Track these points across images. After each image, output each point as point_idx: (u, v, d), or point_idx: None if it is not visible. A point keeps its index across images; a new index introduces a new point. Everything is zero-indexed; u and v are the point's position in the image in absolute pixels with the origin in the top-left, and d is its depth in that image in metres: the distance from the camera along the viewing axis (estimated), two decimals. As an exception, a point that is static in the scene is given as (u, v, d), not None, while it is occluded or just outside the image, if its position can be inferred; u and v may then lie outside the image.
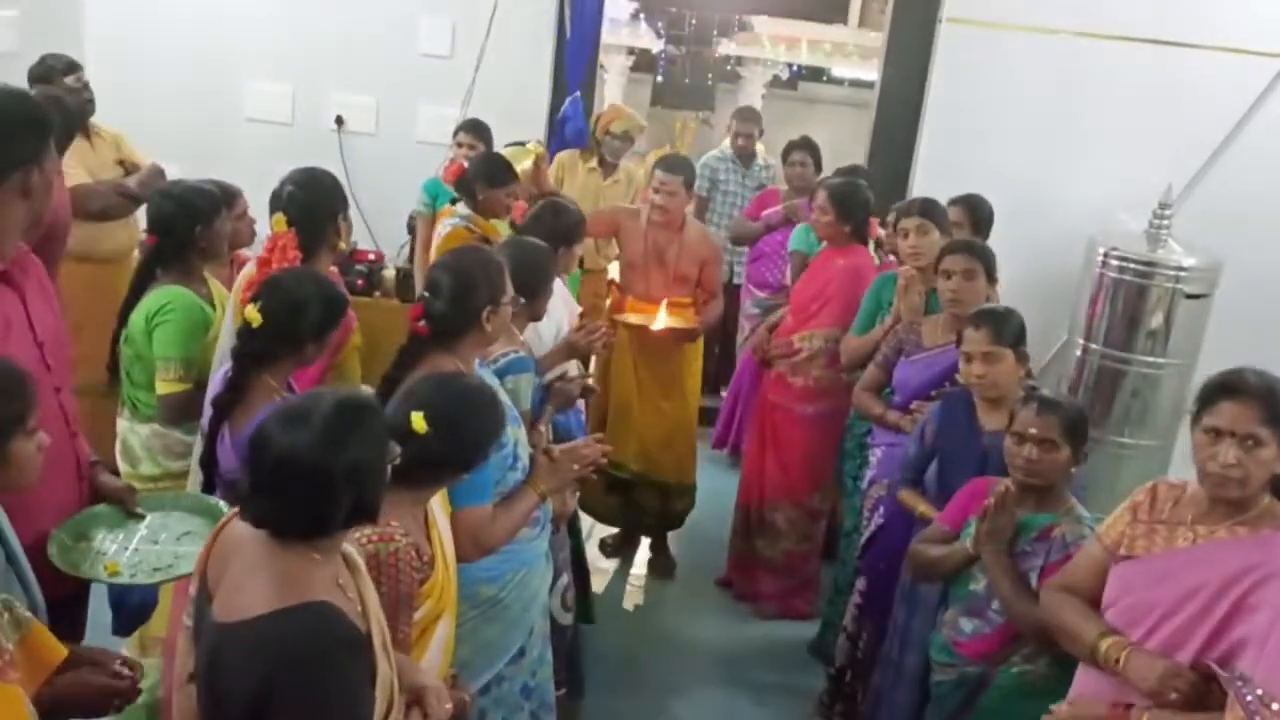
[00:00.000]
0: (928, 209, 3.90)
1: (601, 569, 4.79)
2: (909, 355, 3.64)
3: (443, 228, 4.17)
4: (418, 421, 2.20)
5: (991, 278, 3.53)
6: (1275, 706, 1.85)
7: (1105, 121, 5.38)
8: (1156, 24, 5.27)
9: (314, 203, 3.08)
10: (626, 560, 4.99)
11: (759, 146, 6.54)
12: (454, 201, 4.36)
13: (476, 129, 5.01)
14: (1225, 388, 2.17)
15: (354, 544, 2.08)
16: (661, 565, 4.94)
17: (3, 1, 4.99)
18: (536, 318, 3.23)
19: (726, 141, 6.56)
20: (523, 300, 2.97)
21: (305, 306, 2.60)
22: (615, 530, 5.02)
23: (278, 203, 3.08)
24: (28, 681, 1.62)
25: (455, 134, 5.06)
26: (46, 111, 2.41)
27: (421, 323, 2.60)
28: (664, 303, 4.54)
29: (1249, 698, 1.87)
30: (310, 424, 1.75)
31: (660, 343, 4.55)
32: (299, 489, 1.74)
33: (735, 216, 6.01)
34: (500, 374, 2.88)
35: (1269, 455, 2.12)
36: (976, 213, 4.25)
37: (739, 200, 6.21)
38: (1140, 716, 2.10)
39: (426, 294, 2.64)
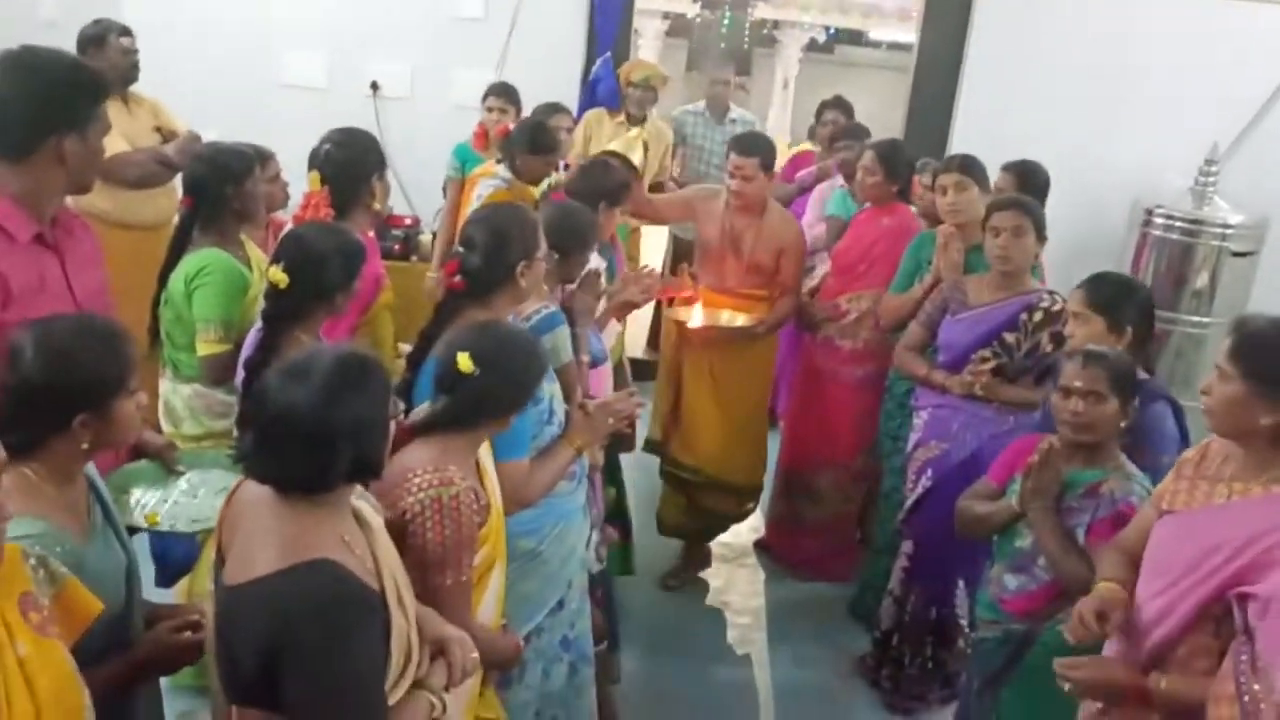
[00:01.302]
0: (967, 165, 3.83)
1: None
2: (955, 314, 3.57)
3: (483, 189, 4.18)
4: (464, 361, 2.23)
5: (1041, 236, 3.46)
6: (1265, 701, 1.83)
7: (1149, 79, 5.30)
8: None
9: (349, 161, 3.10)
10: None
11: (735, 101, 6.29)
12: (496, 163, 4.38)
13: (506, 92, 5.00)
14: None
15: (414, 491, 2.13)
16: (693, 562, 4.62)
17: (43, -29, 5.02)
18: (569, 280, 3.22)
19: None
20: (556, 258, 2.98)
21: (327, 258, 2.63)
22: (675, 559, 4.59)
23: (314, 161, 3.10)
24: (66, 636, 1.64)
25: (484, 98, 5.05)
26: (89, 78, 2.42)
27: (457, 278, 2.62)
28: (699, 301, 4.20)
29: (1245, 690, 1.86)
30: (310, 380, 1.75)
31: (729, 338, 4.19)
32: (298, 444, 1.75)
33: (706, 172, 5.87)
34: (537, 331, 2.89)
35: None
36: (1029, 180, 4.15)
37: (712, 157, 5.97)
38: (1159, 682, 2.09)
39: (462, 249, 2.65)
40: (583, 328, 3.15)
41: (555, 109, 4.81)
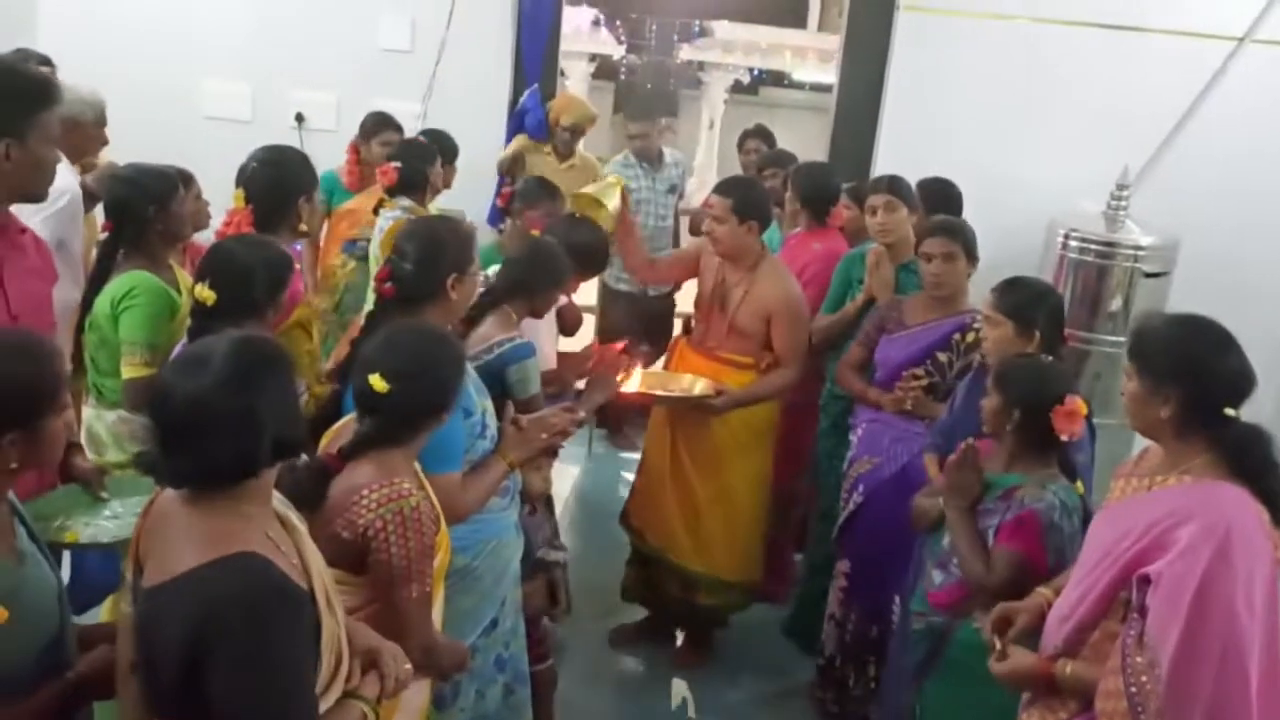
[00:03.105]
0: (895, 185, 3.92)
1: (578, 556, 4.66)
2: (891, 333, 3.65)
3: (384, 221, 4.04)
4: (377, 383, 2.23)
5: (972, 257, 3.55)
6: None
7: (1062, 106, 5.46)
8: (1111, 8, 5.36)
9: (276, 180, 3.08)
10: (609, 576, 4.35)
11: (665, 145, 5.91)
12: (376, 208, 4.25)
13: (394, 125, 4.94)
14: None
15: (371, 508, 2.14)
16: (687, 654, 4.21)
17: (-46, 0, 4.93)
18: (536, 315, 3.19)
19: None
20: (525, 294, 3.07)
21: (253, 271, 2.60)
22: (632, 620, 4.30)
23: (240, 178, 3.06)
24: None
25: (372, 132, 4.94)
26: (32, 84, 2.37)
27: (388, 284, 2.60)
28: (638, 364, 3.77)
29: (1129, 665, 1.95)
30: (212, 366, 1.71)
31: (678, 410, 3.83)
32: (216, 432, 1.70)
33: (653, 226, 5.52)
34: (505, 362, 2.90)
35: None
36: (942, 198, 4.23)
37: (653, 207, 5.57)
38: (1064, 668, 2.15)
39: (394, 257, 2.64)
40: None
41: (384, 123, 4.86)
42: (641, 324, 5.32)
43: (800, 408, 4.22)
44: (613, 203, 3.84)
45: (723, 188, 3.85)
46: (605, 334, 5.47)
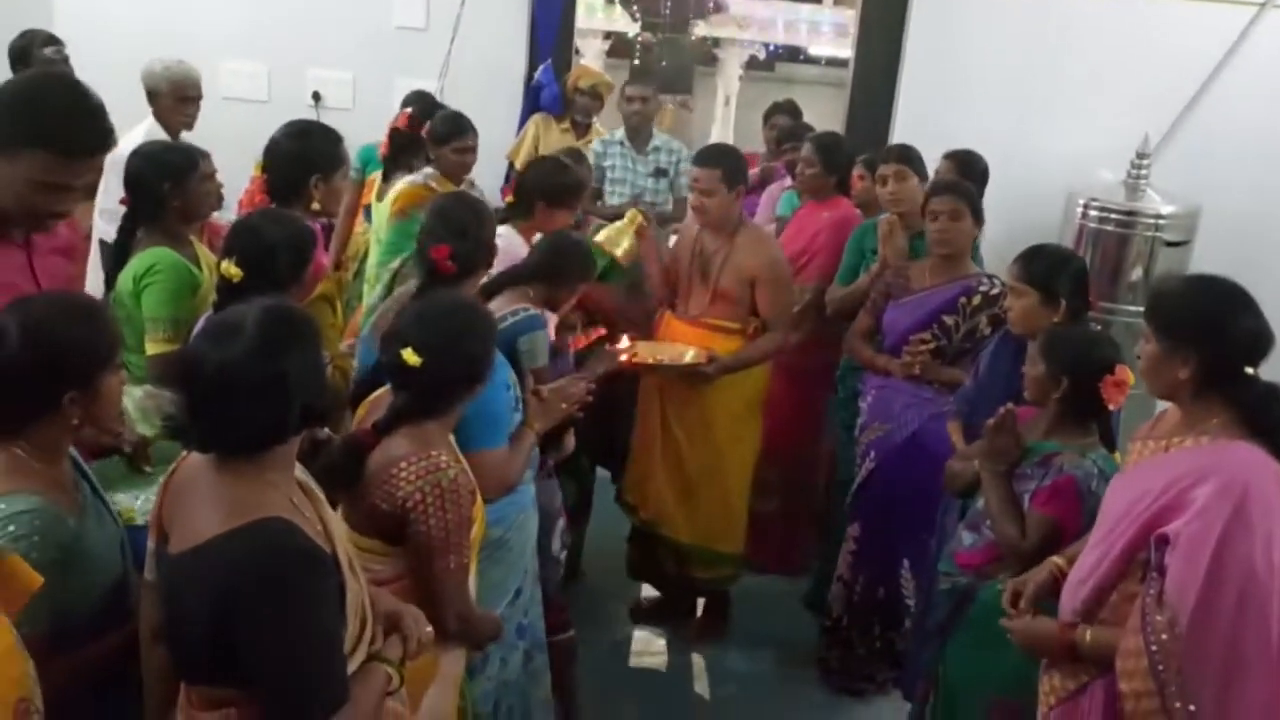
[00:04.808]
0: (905, 155, 3.92)
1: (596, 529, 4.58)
2: (897, 298, 3.65)
3: (399, 185, 4.10)
4: (409, 356, 2.24)
5: (978, 219, 3.54)
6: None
7: (1081, 74, 5.43)
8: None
9: (292, 153, 3.07)
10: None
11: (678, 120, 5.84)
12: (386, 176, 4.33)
13: (421, 99, 4.93)
14: None
15: (410, 480, 2.16)
16: (704, 626, 4.21)
17: (-30, -16, 4.97)
18: (553, 307, 3.19)
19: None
20: (547, 280, 3.08)
21: (278, 248, 2.60)
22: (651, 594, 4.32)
23: (265, 148, 3.10)
24: (6, 608, 1.61)
25: (404, 106, 4.96)
26: (31, 100, 2.25)
27: (450, 262, 2.67)
28: (625, 335, 3.71)
29: (1149, 623, 1.95)
30: (244, 333, 1.72)
31: (670, 378, 3.79)
32: (248, 399, 1.71)
33: (621, 206, 5.18)
34: (516, 330, 2.94)
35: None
36: (969, 168, 4.23)
37: (630, 190, 5.27)
38: (1084, 635, 2.15)
39: (451, 235, 2.72)
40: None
41: (421, 97, 4.79)
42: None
43: (813, 375, 4.24)
44: (621, 247, 3.79)
45: (706, 159, 3.77)
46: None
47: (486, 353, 2.38)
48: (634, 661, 4.04)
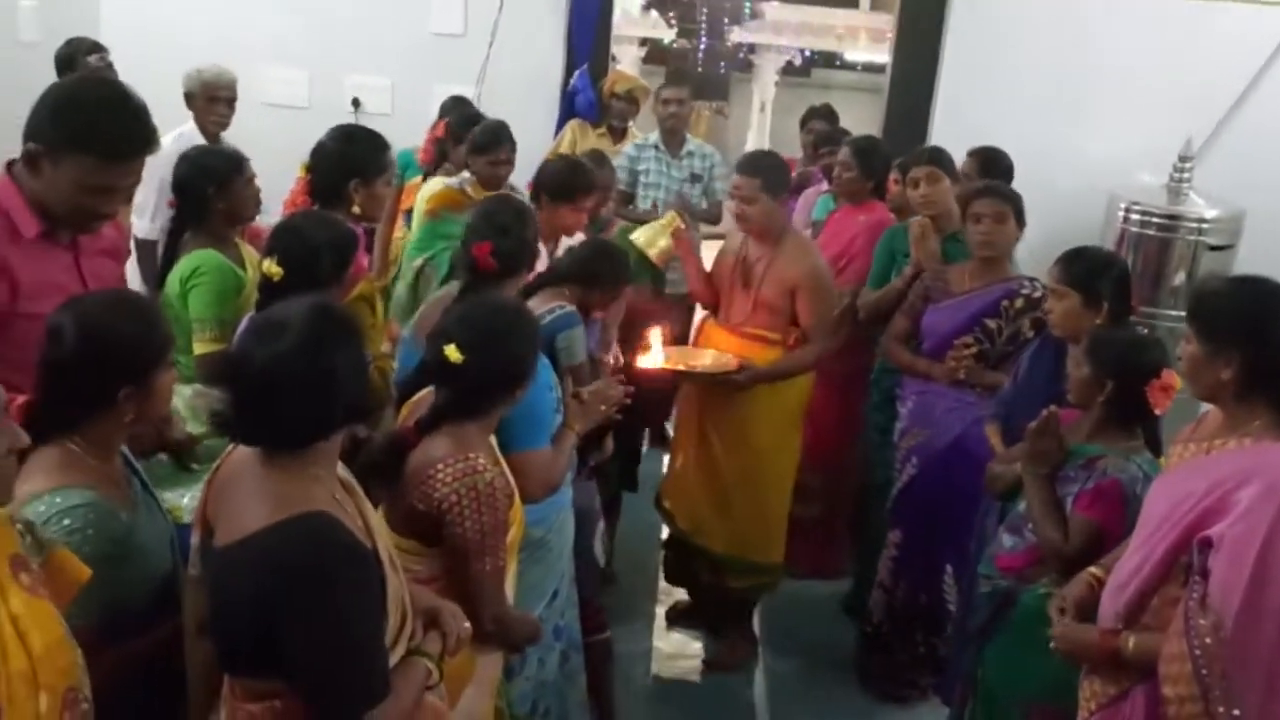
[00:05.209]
0: (936, 157, 3.92)
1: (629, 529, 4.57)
2: (937, 301, 3.63)
3: (432, 185, 4.18)
4: (452, 353, 2.26)
5: (1020, 221, 3.52)
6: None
7: (1121, 78, 5.39)
8: (1171, -23, 5.26)
9: (334, 155, 3.12)
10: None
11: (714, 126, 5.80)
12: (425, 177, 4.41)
13: (458, 106, 4.96)
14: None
15: (446, 482, 2.17)
16: (732, 647, 4.09)
17: (23, -7, 5.07)
18: (588, 310, 3.18)
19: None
20: (583, 283, 3.08)
21: (320, 249, 2.63)
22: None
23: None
24: (56, 600, 1.64)
25: (441, 113, 4.99)
26: (77, 103, 2.29)
27: (492, 258, 2.70)
28: (656, 332, 3.69)
29: (1192, 626, 1.92)
30: (291, 330, 1.74)
31: (702, 386, 3.75)
32: (296, 395, 1.73)
33: (658, 216, 5.09)
34: (553, 329, 2.95)
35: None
36: (993, 164, 4.24)
37: (664, 195, 5.21)
38: (1128, 642, 2.13)
39: (493, 232, 2.74)
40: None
41: (460, 103, 4.88)
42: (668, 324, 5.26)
43: (850, 379, 4.22)
44: (656, 247, 3.83)
45: (747, 167, 3.72)
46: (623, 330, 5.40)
47: (529, 354, 2.38)
48: (668, 665, 4.04)
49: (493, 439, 2.40)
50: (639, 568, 4.26)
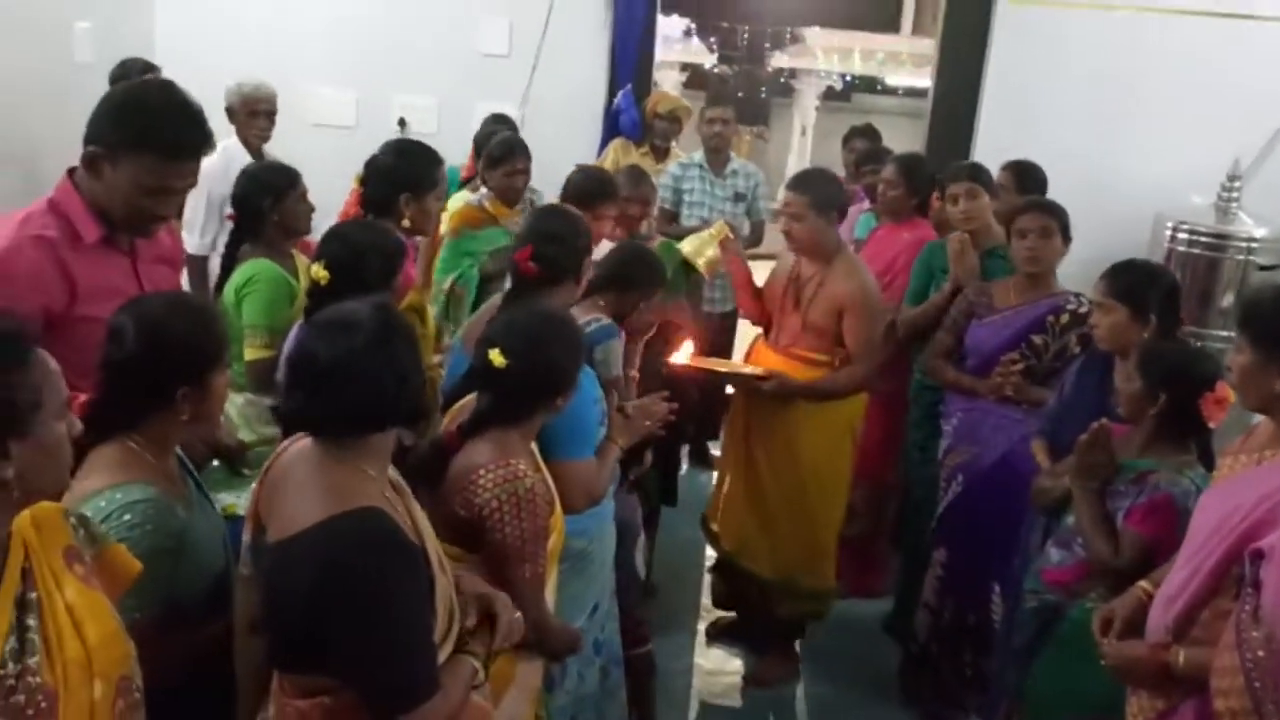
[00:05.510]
0: (975, 173, 3.91)
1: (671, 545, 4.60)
2: (981, 318, 3.60)
3: (454, 203, 4.24)
4: (495, 357, 2.28)
5: (1066, 237, 3.49)
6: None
7: (1168, 97, 5.35)
8: (1218, -4, 5.23)
9: (386, 168, 3.18)
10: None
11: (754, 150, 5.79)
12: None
13: (506, 123, 5.02)
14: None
15: (487, 487, 2.18)
16: (773, 665, 4.04)
17: (79, 15, 5.19)
18: (622, 315, 3.20)
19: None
20: (617, 290, 3.10)
21: (367, 255, 2.68)
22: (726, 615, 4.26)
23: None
24: (108, 593, 1.67)
25: (482, 128, 5.02)
26: (137, 103, 2.34)
27: (531, 264, 2.70)
28: (688, 342, 3.66)
29: (1244, 639, 1.88)
30: (362, 322, 1.79)
31: (767, 396, 3.67)
32: (358, 389, 1.77)
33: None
34: (591, 340, 2.95)
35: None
36: (1025, 179, 4.23)
37: (707, 213, 5.28)
38: (1178, 656, 2.10)
39: (537, 238, 2.75)
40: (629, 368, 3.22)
41: (499, 120, 4.92)
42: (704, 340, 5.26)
43: (892, 396, 4.19)
44: (704, 257, 3.85)
45: (796, 183, 3.68)
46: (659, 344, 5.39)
47: (571, 363, 2.39)
48: (709, 681, 4.01)
49: (534, 446, 2.42)
50: (680, 583, 4.25)
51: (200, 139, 2.32)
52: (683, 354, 3.65)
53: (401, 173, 3.19)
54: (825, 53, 13.92)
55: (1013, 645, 2.88)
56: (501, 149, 4.17)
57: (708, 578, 4.39)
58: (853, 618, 4.32)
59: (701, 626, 4.29)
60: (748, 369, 3.69)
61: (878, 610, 4.35)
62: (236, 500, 2.48)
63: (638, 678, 3.16)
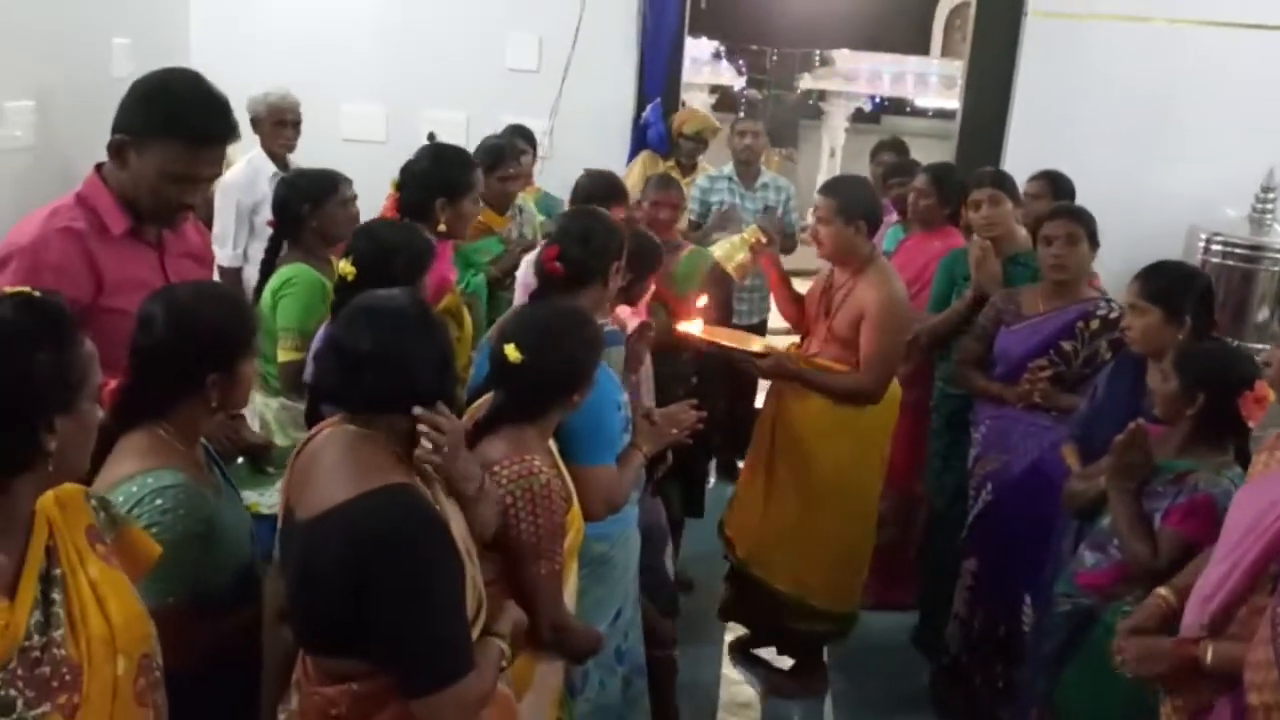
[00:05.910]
0: (999, 180, 3.90)
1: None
2: (1009, 325, 3.57)
3: None
4: (511, 352, 2.27)
5: (1094, 242, 3.46)
6: None
7: (1200, 109, 5.33)
8: (1249, 7, 5.21)
9: (422, 173, 3.23)
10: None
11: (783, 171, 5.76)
12: None
13: (523, 134, 5.01)
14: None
15: (502, 483, 2.17)
16: (800, 676, 3.99)
17: (117, 30, 5.27)
18: (631, 302, 3.23)
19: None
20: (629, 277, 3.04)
21: (394, 252, 2.69)
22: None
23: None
24: (131, 575, 1.68)
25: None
26: (165, 91, 2.37)
27: (556, 263, 2.69)
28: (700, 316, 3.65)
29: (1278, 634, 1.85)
30: (395, 315, 1.85)
31: (797, 399, 3.62)
32: (392, 372, 1.81)
33: None
34: None
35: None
36: (1060, 185, 4.22)
37: (738, 226, 5.01)
38: (1205, 649, 2.07)
39: (564, 238, 2.74)
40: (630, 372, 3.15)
41: (516, 131, 4.86)
42: None
43: (917, 406, 4.14)
44: (734, 261, 3.80)
45: (828, 188, 3.62)
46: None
47: (586, 358, 2.37)
48: (735, 691, 3.97)
49: (552, 444, 2.41)
50: (709, 594, 4.21)
51: (226, 128, 2.35)
52: (694, 326, 3.63)
53: (437, 177, 3.23)
54: (853, 75, 13.90)
55: (1043, 652, 2.83)
56: (492, 156, 4.12)
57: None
58: (881, 629, 4.28)
59: (729, 638, 4.25)
60: (752, 345, 3.69)
61: (905, 623, 4.30)
62: (259, 498, 2.48)
63: (660, 679, 3.12)
